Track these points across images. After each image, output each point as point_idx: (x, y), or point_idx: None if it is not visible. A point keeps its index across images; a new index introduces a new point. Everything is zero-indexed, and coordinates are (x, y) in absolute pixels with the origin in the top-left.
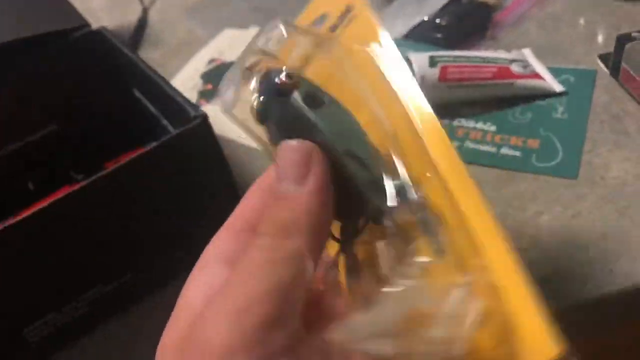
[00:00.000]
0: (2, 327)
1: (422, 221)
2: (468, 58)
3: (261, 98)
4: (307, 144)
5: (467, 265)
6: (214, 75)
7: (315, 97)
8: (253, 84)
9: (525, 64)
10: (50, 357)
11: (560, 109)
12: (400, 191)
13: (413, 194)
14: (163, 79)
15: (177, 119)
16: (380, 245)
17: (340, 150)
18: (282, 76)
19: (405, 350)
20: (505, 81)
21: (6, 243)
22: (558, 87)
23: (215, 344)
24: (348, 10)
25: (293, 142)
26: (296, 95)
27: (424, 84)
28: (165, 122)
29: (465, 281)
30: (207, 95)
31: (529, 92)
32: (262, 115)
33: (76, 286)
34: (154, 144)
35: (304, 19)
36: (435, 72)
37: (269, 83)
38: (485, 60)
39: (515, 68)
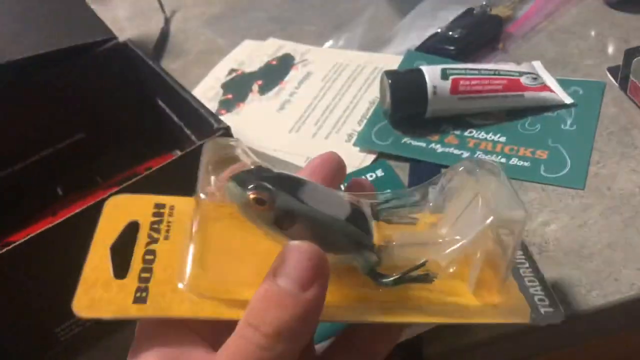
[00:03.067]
0: (35, 326)
1: None
2: (479, 71)
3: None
4: (318, 250)
5: None
6: (234, 86)
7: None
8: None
9: (535, 76)
10: (79, 355)
11: (569, 120)
12: None
13: None
14: (186, 90)
15: (200, 129)
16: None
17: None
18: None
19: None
20: (515, 93)
21: (42, 248)
22: (567, 99)
23: None
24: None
25: (304, 245)
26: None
27: (435, 95)
28: (188, 131)
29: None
30: (228, 104)
31: (538, 104)
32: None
33: None
34: (179, 153)
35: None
36: (447, 84)
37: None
38: (495, 72)
39: (525, 80)
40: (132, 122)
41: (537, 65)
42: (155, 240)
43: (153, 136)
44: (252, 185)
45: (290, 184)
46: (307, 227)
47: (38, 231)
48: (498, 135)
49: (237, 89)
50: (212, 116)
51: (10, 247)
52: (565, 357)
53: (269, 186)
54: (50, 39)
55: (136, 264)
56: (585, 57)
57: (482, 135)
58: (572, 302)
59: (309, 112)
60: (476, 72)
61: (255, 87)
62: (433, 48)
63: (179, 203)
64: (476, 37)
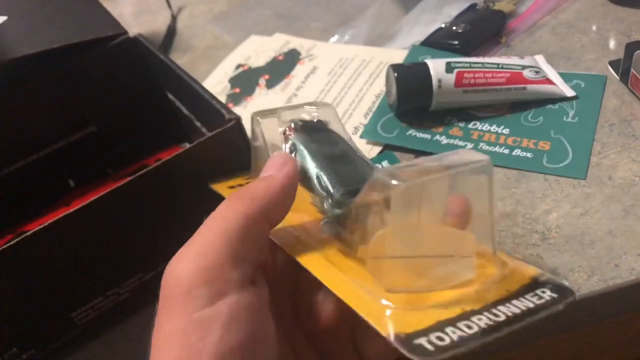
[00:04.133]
0: (52, 311)
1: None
2: (483, 64)
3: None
4: (287, 154)
5: None
6: (242, 80)
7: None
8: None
9: (538, 70)
10: (97, 339)
11: (571, 112)
12: None
13: None
14: (197, 82)
15: (210, 121)
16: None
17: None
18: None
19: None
20: (518, 86)
21: (58, 236)
22: (569, 92)
23: (182, 279)
24: None
25: (279, 152)
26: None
27: (440, 88)
28: (198, 123)
29: None
30: (235, 98)
31: (540, 96)
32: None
33: (119, 275)
34: (188, 145)
35: None
36: (451, 77)
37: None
38: (499, 66)
39: (527, 74)
40: (142, 115)
41: (540, 59)
42: None
43: (163, 129)
44: (289, 121)
45: (319, 129)
46: (300, 156)
47: (53, 219)
48: (502, 127)
49: (244, 83)
50: (224, 107)
51: (28, 233)
52: (565, 341)
53: (298, 124)
54: (62, 34)
55: None
56: (587, 51)
57: (486, 127)
58: (573, 287)
59: None
60: (480, 65)
61: (262, 82)
62: (437, 43)
63: None
64: (480, 31)
